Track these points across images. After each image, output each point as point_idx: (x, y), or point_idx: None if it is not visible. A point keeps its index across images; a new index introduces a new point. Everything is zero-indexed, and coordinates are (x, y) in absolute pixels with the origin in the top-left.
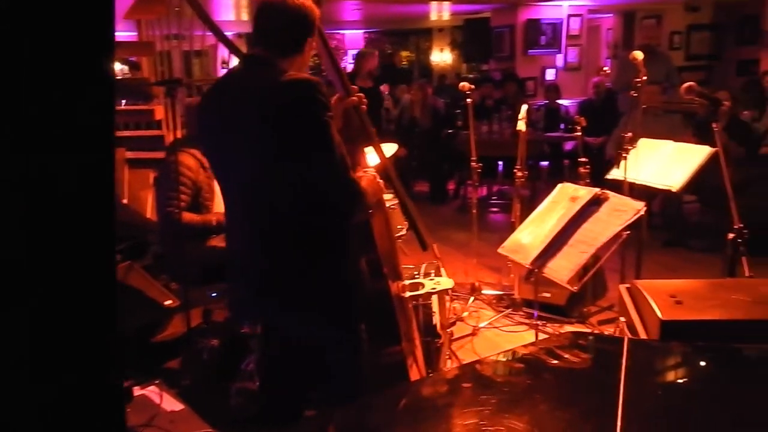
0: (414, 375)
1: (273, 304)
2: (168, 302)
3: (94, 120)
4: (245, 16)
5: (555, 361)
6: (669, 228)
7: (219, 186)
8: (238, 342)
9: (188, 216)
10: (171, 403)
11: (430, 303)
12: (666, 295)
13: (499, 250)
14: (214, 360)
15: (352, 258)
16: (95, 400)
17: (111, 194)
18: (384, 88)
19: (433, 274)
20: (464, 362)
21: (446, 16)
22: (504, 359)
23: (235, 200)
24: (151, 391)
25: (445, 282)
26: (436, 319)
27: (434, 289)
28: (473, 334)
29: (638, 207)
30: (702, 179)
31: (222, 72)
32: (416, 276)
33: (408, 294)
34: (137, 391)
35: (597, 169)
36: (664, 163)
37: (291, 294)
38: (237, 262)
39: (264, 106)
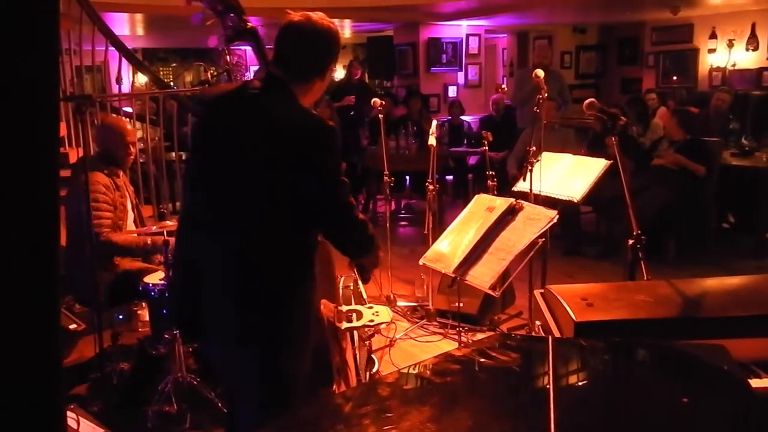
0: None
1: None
2: (73, 326)
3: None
4: (140, 31)
5: (488, 361)
6: (567, 237)
7: (188, 199)
8: (150, 364)
9: (123, 237)
10: (89, 428)
11: (372, 333)
12: (578, 298)
13: (421, 261)
14: (125, 383)
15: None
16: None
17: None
18: None
19: (351, 286)
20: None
21: (348, 33)
22: (440, 361)
23: (206, 216)
24: (68, 417)
25: (383, 314)
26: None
27: (372, 321)
28: (390, 345)
29: (551, 215)
30: (597, 190)
31: (116, 89)
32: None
33: (345, 326)
34: None
35: (500, 182)
36: (564, 175)
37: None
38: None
39: (277, 139)
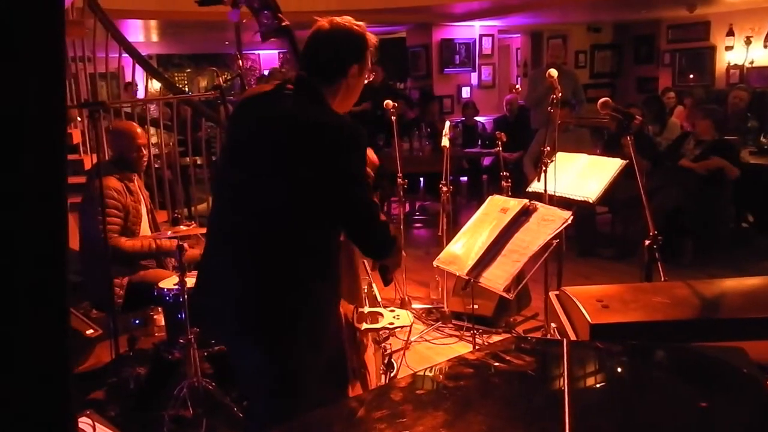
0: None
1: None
2: (90, 332)
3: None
4: (155, 38)
5: (502, 365)
6: (582, 238)
7: (215, 200)
8: (166, 368)
9: (128, 242)
10: None
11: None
12: (593, 300)
13: (435, 263)
14: (142, 388)
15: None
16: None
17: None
18: None
19: (366, 289)
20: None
21: None
22: (453, 365)
23: (226, 214)
24: (84, 422)
25: (404, 318)
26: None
27: (392, 324)
28: (405, 348)
29: (566, 216)
30: (612, 190)
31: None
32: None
33: (364, 327)
34: None
35: (515, 183)
36: (579, 175)
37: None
38: (214, 279)
39: (305, 139)
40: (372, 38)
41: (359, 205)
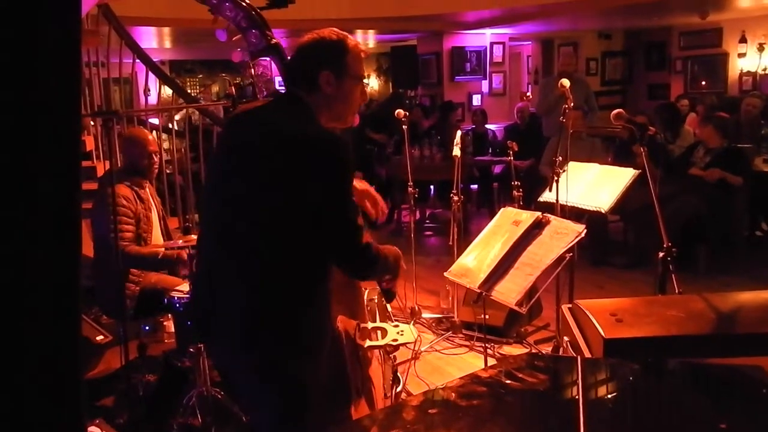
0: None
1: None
2: (100, 338)
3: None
4: (168, 44)
5: (515, 383)
6: (595, 247)
7: (201, 211)
8: (176, 376)
9: (135, 249)
10: None
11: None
12: (607, 314)
13: (446, 275)
14: (151, 395)
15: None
16: None
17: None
18: None
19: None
20: (428, 388)
21: (372, 43)
22: (466, 383)
23: (214, 229)
24: (93, 430)
25: (408, 334)
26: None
27: (395, 340)
28: (415, 358)
29: (579, 230)
30: (625, 199)
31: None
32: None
33: (367, 344)
34: None
35: (526, 192)
36: (591, 185)
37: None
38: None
39: (287, 153)
40: (354, 46)
41: (338, 221)
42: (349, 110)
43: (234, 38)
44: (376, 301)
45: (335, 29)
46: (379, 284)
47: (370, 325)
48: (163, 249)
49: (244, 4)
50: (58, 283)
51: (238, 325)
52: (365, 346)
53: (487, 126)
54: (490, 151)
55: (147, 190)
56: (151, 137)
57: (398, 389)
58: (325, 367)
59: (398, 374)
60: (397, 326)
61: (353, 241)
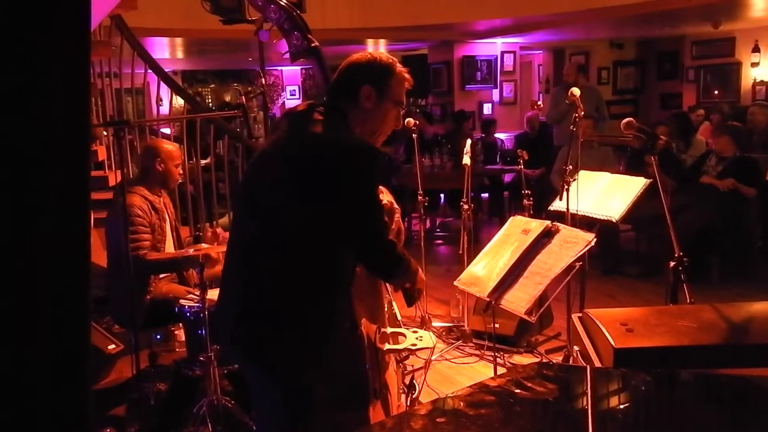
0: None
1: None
2: (111, 347)
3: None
4: (180, 54)
5: (524, 393)
6: (606, 256)
7: (234, 215)
8: (187, 385)
9: (155, 255)
10: None
11: (407, 355)
12: (617, 324)
13: (455, 283)
14: (162, 404)
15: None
16: None
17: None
18: None
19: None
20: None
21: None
22: (474, 392)
23: (244, 232)
24: None
25: (426, 340)
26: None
27: (414, 345)
28: (426, 367)
29: (588, 238)
30: (636, 208)
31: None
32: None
33: (386, 348)
34: None
35: (536, 201)
36: (602, 194)
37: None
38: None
39: (315, 157)
40: (401, 71)
41: (366, 226)
42: (380, 130)
43: (275, 40)
44: (386, 309)
45: (389, 55)
46: (402, 288)
47: (389, 329)
48: (183, 252)
49: (287, 6)
50: (67, 292)
51: (259, 329)
52: (384, 349)
53: (497, 135)
54: (500, 160)
55: (162, 200)
56: (172, 148)
57: (414, 395)
58: (341, 376)
59: (414, 381)
60: (416, 332)
61: (381, 242)
